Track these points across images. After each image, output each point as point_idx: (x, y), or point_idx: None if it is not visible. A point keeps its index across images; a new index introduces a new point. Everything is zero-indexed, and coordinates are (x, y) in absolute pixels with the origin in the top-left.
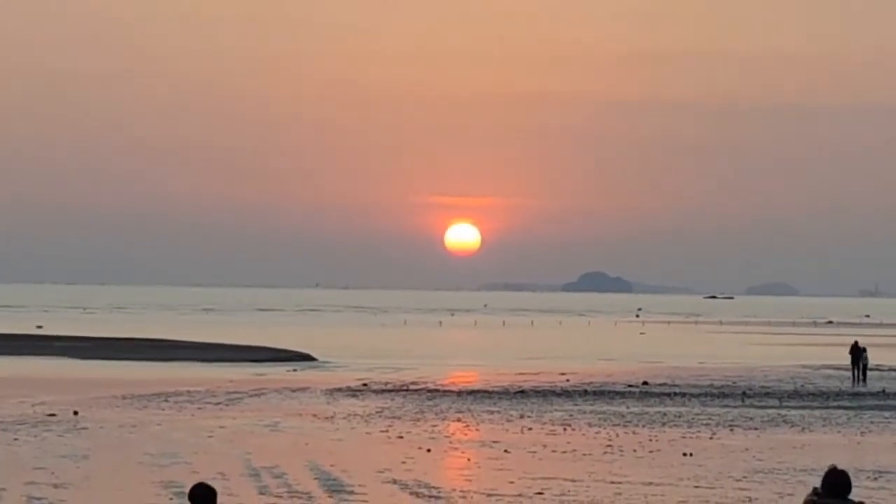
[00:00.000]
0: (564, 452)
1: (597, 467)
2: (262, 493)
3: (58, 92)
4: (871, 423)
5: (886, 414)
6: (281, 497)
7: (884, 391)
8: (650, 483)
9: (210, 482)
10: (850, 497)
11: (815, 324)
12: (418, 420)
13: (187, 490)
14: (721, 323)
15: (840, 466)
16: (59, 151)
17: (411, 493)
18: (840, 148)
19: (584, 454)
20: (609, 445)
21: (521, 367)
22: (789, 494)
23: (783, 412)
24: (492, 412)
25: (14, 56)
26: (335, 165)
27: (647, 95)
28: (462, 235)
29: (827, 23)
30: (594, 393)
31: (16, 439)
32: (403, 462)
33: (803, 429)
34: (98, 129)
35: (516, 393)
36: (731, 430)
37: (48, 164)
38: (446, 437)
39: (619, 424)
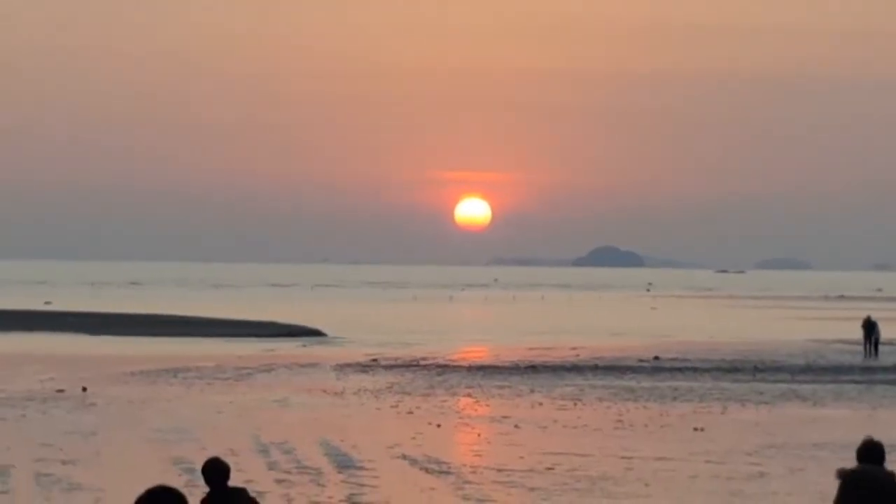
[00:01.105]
0: (575, 427)
1: (607, 442)
2: (271, 469)
3: (67, 70)
4: (883, 397)
5: None
6: (290, 473)
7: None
8: (661, 458)
9: (222, 458)
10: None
11: (826, 298)
12: (428, 395)
13: (198, 466)
14: (732, 297)
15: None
16: (70, 129)
17: (421, 469)
18: (852, 121)
19: (595, 429)
20: (619, 420)
21: (532, 342)
22: (800, 469)
23: (794, 387)
24: (502, 387)
25: (20, 33)
26: (345, 141)
27: (657, 70)
28: (472, 210)
29: None
30: (605, 368)
31: (24, 415)
32: (413, 437)
33: (815, 403)
34: (108, 108)
35: (526, 368)
36: (743, 404)
37: (59, 141)
38: (456, 412)
39: (629, 399)
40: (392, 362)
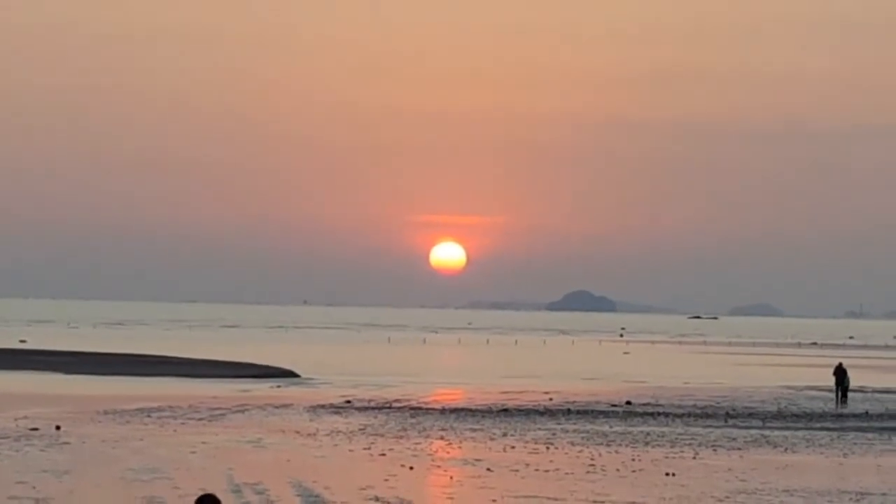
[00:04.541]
0: (547, 471)
1: (579, 486)
2: None
3: (50, 106)
4: (854, 444)
5: (869, 435)
6: None
7: (867, 413)
8: (632, 503)
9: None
10: None
11: (799, 345)
12: (401, 437)
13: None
14: (705, 343)
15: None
16: (49, 165)
17: None
18: (826, 169)
19: (567, 473)
20: (592, 465)
21: (505, 385)
22: None
23: (766, 433)
24: (475, 430)
25: (5, 71)
26: (321, 184)
27: (632, 115)
28: (448, 254)
29: (819, 44)
30: (577, 412)
31: None
32: (386, 479)
33: (786, 449)
34: (90, 145)
35: (499, 411)
36: (714, 450)
37: (37, 178)
38: (429, 454)
39: (601, 444)
40: (365, 404)
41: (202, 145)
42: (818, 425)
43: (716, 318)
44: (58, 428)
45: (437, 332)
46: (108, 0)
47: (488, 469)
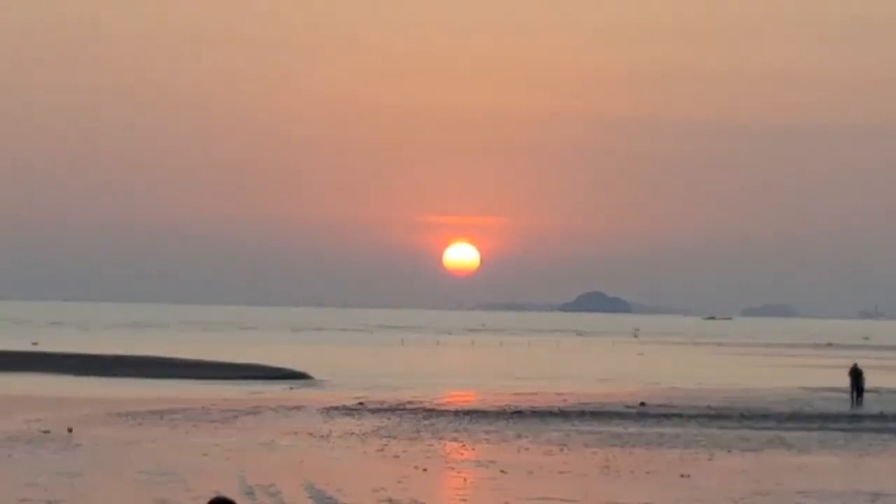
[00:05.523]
0: (561, 473)
1: (593, 488)
2: None
3: (62, 107)
4: (870, 445)
5: (885, 436)
6: None
7: (882, 413)
8: None
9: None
10: None
11: (814, 346)
12: (414, 439)
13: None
14: (720, 344)
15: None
16: (57, 165)
17: None
18: (840, 169)
19: (581, 475)
20: (606, 466)
21: (518, 387)
22: None
23: (781, 434)
24: (488, 432)
25: (4, 71)
26: (334, 183)
27: (647, 114)
28: (461, 255)
29: (819, 44)
30: (591, 413)
31: (10, 456)
32: (399, 481)
33: (801, 450)
34: (99, 145)
35: (513, 413)
36: (729, 451)
37: (43, 179)
38: (442, 456)
39: (616, 445)
40: (379, 406)
41: (209, 146)
42: (833, 426)
43: (730, 318)
44: (70, 430)
45: (450, 334)
46: (108, 0)
47: (502, 471)
